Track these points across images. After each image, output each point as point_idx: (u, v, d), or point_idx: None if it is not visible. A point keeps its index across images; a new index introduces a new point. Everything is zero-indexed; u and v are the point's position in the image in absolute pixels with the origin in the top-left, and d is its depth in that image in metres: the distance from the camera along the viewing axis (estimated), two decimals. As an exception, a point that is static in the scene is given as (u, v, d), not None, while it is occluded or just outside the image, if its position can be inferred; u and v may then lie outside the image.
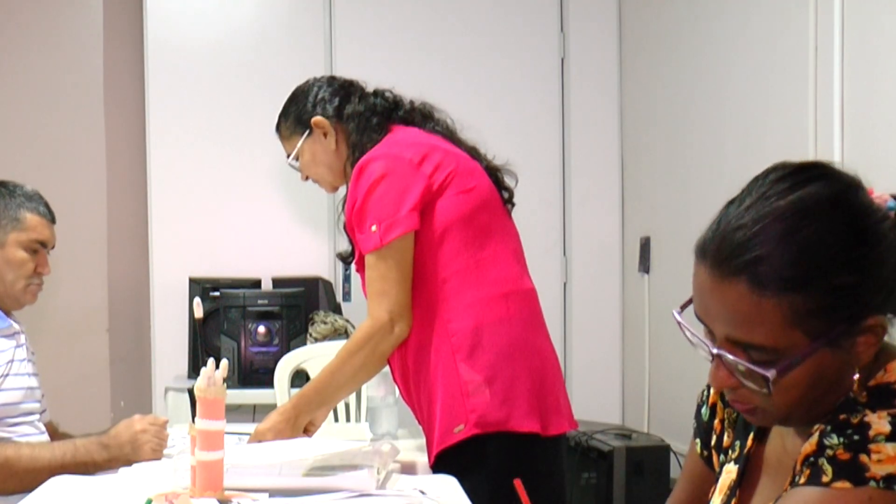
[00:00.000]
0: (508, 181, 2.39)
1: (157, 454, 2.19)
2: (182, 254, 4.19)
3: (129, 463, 2.14)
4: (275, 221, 4.27)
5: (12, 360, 2.34)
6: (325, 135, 2.37)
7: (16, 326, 2.42)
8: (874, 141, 2.59)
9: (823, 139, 2.77)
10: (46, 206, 2.46)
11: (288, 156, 2.44)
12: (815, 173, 1.15)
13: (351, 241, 2.36)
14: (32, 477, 2.07)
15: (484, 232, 2.24)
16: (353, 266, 2.38)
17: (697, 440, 1.41)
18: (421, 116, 2.39)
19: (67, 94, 4.10)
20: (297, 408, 2.26)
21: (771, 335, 1.10)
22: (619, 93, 4.40)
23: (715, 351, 1.15)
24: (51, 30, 4.10)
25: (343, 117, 2.37)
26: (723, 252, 1.12)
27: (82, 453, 2.17)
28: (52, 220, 2.47)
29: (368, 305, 2.23)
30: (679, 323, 1.20)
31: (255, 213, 4.27)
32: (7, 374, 2.32)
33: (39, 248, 2.42)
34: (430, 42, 4.33)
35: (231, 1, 4.32)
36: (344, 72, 2.55)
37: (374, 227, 2.17)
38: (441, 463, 2.17)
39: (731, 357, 1.13)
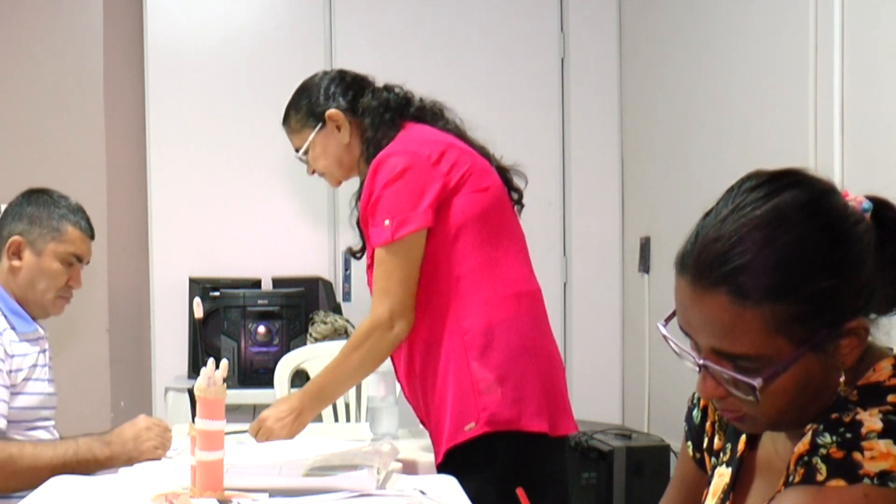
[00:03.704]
0: (517, 182, 2.39)
1: (158, 453, 2.19)
2: (182, 254, 4.20)
3: (129, 462, 2.14)
4: (275, 221, 4.28)
5: (35, 365, 2.35)
6: (338, 128, 2.36)
7: (40, 332, 2.42)
8: (874, 141, 2.59)
9: (823, 139, 2.77)
10: (88, 221, 2.47)
11: (297, 149, 2.42)
12: (790, 180, 1.16)
13: (362, 237, 2.36)
14: (35, 474, 2.07)
15: (497, 231, 2.25)
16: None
17: (689, 443, 1.41)
18: (431, 114, 2.38)
19: (67, 94, 4.10)
20: (302, 403, 2.27)
21: (754, 344, 1.11)
22: (619, 93, 4.40)
23: (700, 362, 1.16)
24: (51, 30, 4.10)
25: (357, 111, 2.36)
26: (702, 264, 1.13)
27: (84, 450, 2.17)
28: (92, 235, 2.48)
29: (371, 302, 2.24)
30: (664, 336, 1.21)
31: (255, 213, 4.27)
32: (29, 379, 2.32)
33: (74, 262, 2.43)
34: (430, 42, 4.33)
35: (231, 1, 4.32)
36: (344, 72, 2.55)
37: (386, 222, 2.17)
38: (450, 461, 2.17)
39: (716, 367, 1.14)
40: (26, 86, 4.10)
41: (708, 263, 1.12)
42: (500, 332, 2.19)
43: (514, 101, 4.37)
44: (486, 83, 4.34)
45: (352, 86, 2.40)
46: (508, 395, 2.16)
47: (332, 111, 2.36)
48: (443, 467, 2.16)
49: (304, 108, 2.39)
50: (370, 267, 2.31)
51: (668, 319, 1.21)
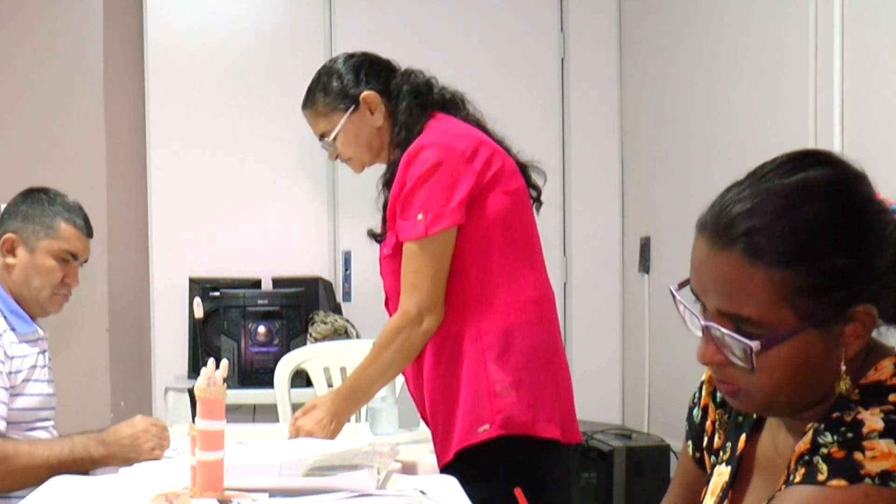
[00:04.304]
0: (536, 179, 2.34)
1: (156, 454, 2.19)
2: (182, 254, 4.20)
3: (127, 461, 2.13)
4: (275, 221, 4.28)
5: (34, 366, 2.35)
6: (371, 111, 2.30)
7: (40, 332, 2.42)
8: (874, 140, 2.59)
9: (823, 139, 2.77)
10: (85, 219, 2.46)
11: (323, 134, 2.34)
12: (820, 158, 1.18)
13: (384, 224, 2.30)
14: (31, 473, 2.07)
15: (521, 233, 2.23)
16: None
17: (689, 442, 1.41)
18: (453, 103, 2.35)
19: (67, 94, 4.11)
20: (336, 404, 2.24)
21: (760, 308, 1.11)
22: (619, 93, 4.40)
23: (704, 323, 1.16)
24: (51, 30, 4.10)
25: (391, 93, 2.31)
26: (721, 223, 1.14)
27: (79, 449, 2.16)
28: (89, 234, 2.47)
29: (400, 297, 2.20)
30: (673, 296, 1.21)
31: (256, 213, 4.27)
32: (29, 380, 2.32)
33: (70, 259, 2.42)
34: (430, 42, 4.33)
35: (231, 1, 4.32)
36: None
37: (420, 216, 2.14)
38: (460, 462, 2.15)
39: (719, 329, 1.14)
40: (26, 86, 4.10)
41: (727, 222, 1.14)
42: (519, 336, 2.17)
43: (514, 101, 4.36)
44: (486, 83, 4.32)
45: (382, 68, 2.36)
46: (524, 399, 2.14)
47: (367, 93, 2.29)
48: (453, 468, 2.13)
49: (336, 91, 2.31)
50: (386, 258, 2.28)
51: (681, 285, 1.22)
